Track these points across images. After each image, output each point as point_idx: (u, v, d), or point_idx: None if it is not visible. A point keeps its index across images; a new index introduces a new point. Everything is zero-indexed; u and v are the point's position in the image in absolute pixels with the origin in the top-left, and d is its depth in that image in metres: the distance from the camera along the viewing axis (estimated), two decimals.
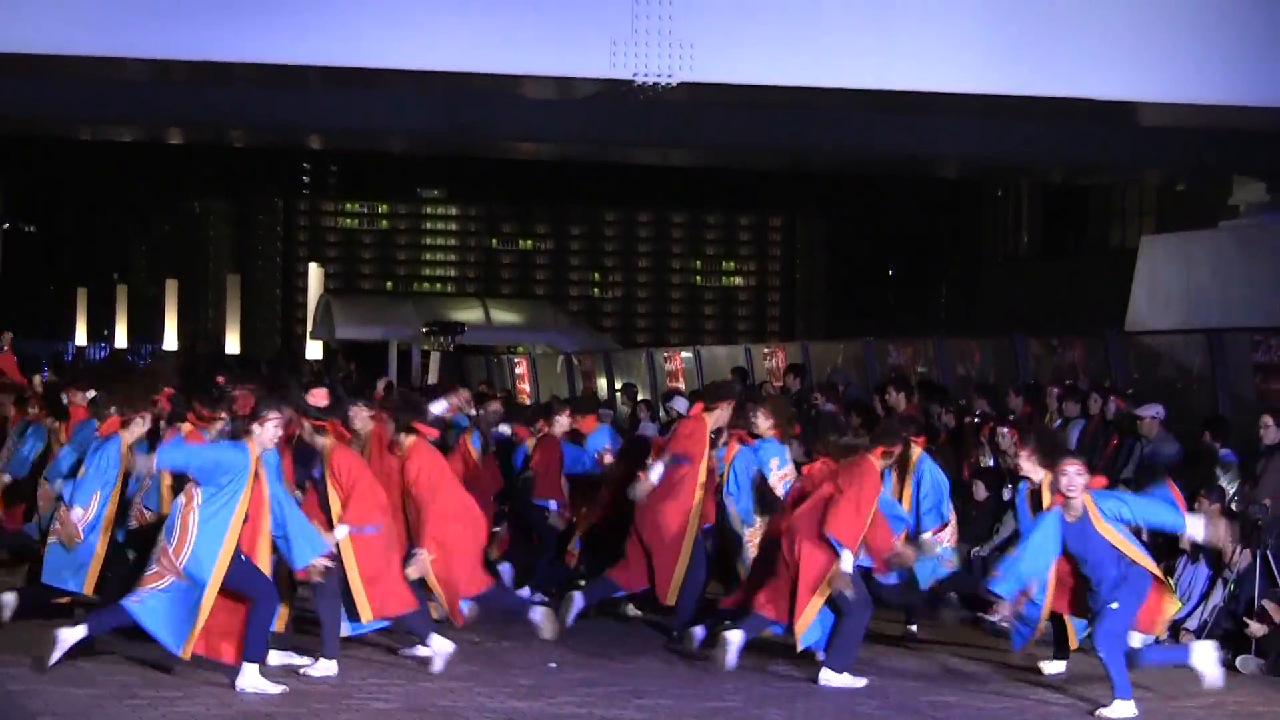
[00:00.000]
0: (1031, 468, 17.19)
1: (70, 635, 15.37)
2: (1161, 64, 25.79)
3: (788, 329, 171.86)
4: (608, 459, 21.84)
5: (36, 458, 21.20)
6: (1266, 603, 18.56)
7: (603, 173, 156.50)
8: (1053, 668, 17.85)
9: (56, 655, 15.31)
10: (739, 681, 16.80)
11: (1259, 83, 25.87)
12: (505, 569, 21.39)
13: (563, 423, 22.21)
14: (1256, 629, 18.46)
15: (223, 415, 17.77)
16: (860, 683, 16.82)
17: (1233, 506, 19.71)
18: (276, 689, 15.41)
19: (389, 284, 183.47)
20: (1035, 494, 17.42)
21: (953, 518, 19.49)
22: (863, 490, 16.97)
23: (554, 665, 17.30)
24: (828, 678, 16.82)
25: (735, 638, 16.94)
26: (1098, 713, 15.97)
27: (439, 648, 16.61)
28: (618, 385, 39.97)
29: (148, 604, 15.33)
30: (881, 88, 25.75)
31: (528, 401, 30.81)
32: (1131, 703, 15.84)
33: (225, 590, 15.42)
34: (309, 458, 16.94)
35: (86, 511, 17.07)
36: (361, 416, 17.91)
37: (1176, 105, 26.67)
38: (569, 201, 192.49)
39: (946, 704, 16.26)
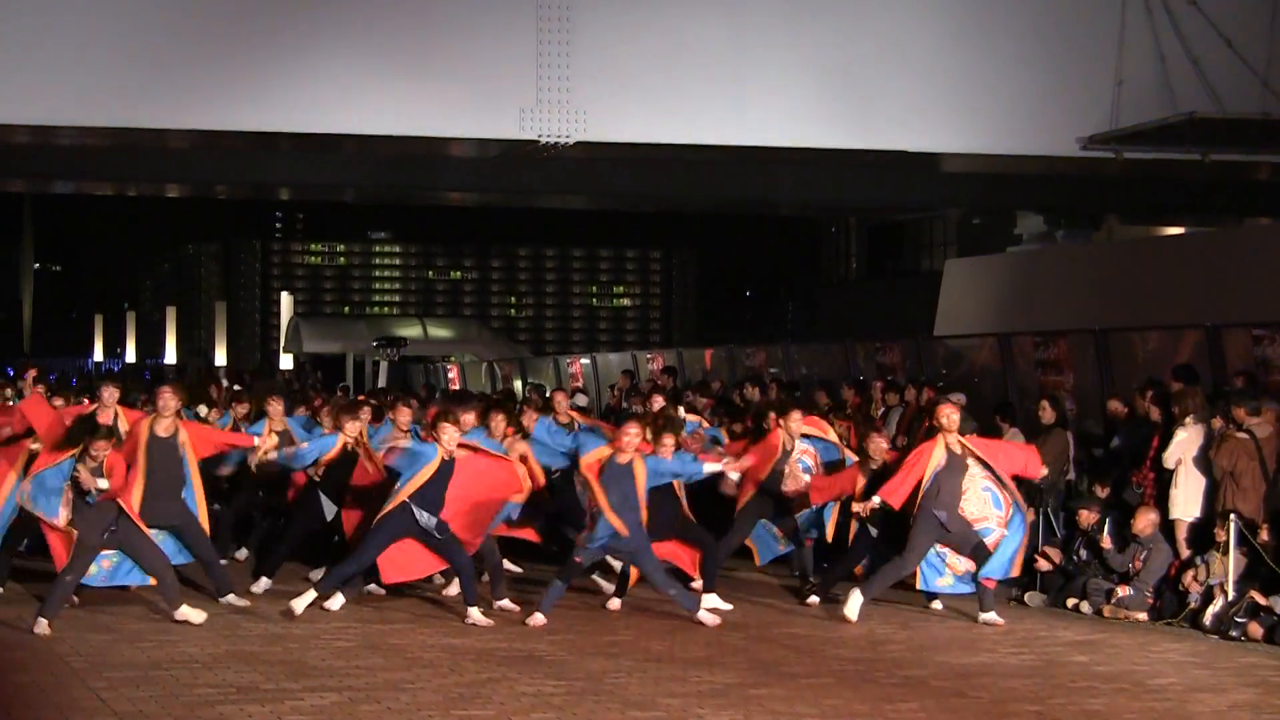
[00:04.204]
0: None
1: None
2: (957, 122, 25.93)
3: (666, 339, 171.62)
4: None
5: None
6: (1047, 549, 18.67)
7: (516, 216, 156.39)
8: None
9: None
10: (629, 620, 16.79)
11: (1034, 135, 26.05)
12: None
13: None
14: (1044, 564, 18.57)
15: None
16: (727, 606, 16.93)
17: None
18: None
19: (346, 308, 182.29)
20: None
21: None
22: None
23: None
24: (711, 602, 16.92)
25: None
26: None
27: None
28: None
29: None
30: (737, 143, 25.79)
31: None
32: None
33: None
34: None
35: None
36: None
37: (970, 155, 26.82)
38: (490, 240, 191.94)
39: (795, 635, 16.27)
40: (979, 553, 17.07)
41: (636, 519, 16.56)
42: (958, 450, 17.07)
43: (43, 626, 15.20)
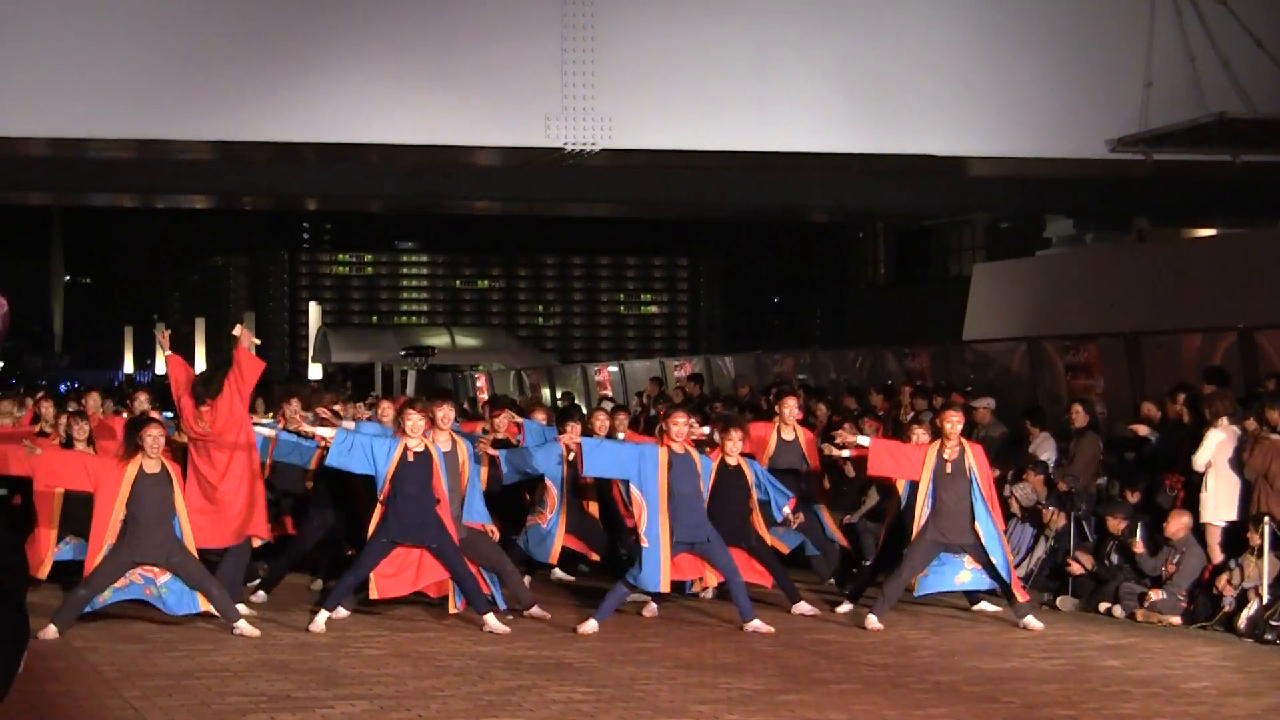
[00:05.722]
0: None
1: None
2: (985, 126, 25.86)
3: (694, 346, 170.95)
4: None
5: None
6: (1079, 554, 18.62)
7: (542, 224, 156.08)
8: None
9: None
10: (659, 627, 16.78)
11: (1062, 138, 25.97)
12: None
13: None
14: (1077, 568, 18.51)
15: None
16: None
17: (1051, 477, 19.74)
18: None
19: (374, 318, 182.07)
20: None
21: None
22: None
23: (510, 616, 17.20)
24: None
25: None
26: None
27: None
28: (558, 393, 39.92)
29: None
30: (762, 149, 25.76)
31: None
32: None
33: None
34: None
35: None
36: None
37: (998, 158, 26.75)
38: (516, 249, 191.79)
39: (824, 641, 16.24)
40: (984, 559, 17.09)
41: (700, 508, 16.61)
42: (959, 458, 16.97)
43: (51, 632, 15.30)
